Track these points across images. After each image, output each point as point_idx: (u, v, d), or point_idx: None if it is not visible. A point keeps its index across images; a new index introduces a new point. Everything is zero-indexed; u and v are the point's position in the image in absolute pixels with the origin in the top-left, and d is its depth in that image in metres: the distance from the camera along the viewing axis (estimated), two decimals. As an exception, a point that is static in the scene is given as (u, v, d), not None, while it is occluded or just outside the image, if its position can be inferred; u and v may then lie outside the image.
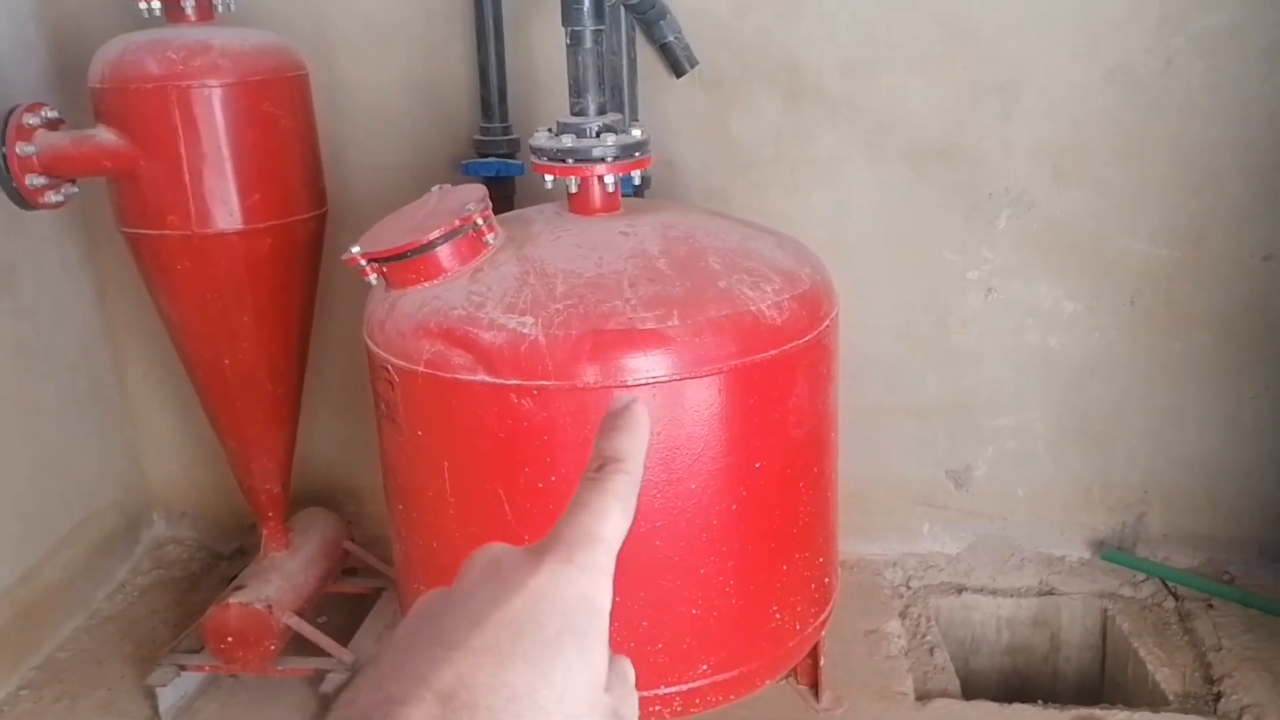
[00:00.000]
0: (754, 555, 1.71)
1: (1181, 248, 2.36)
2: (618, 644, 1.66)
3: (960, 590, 2.60)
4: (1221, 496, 2.53)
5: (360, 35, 2.46)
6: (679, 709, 1.72)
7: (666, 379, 1.57)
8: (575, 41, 1.75)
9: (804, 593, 1.81)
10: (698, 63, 2.35)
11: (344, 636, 2.33)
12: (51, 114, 2.05)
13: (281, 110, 2.08)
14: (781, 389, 1.66)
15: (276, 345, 2.20)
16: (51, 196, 2.04)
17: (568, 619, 0.44)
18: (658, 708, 1.71)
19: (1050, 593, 2.58)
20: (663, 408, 1.58)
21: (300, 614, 2.29)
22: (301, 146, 2.14)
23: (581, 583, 0.45)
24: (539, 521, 1.64)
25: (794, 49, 2.36)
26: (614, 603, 0.47)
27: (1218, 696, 2.24)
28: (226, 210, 2.03)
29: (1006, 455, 2.57)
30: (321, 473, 2.79)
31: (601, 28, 1.76)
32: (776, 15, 2.34)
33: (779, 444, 1.69)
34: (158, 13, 2.05)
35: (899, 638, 2.42)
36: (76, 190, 2.09)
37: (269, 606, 2.21)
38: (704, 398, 1.60)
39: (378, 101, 2.50)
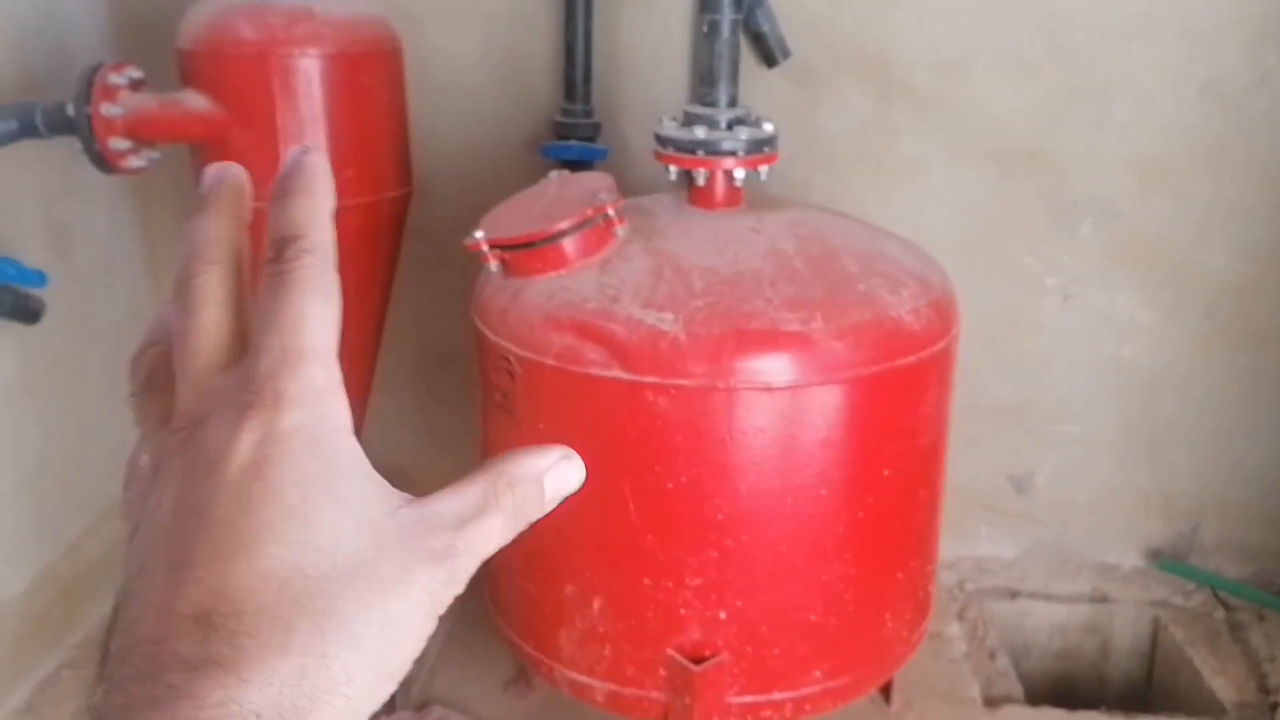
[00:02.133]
0: (874, 562, 1.69)
1: (1260, 264, 2.37)
2: (735, 647, 1.60)
3: (1014, 595, 2.61)
4: (1277, 509, 2.56)
5: (439, 3, 2.38)
6: (789, 715, 1.70)
7: (808, 383, 1.54)
8: (713, 30, 1.71)
9: (913, 600, 1.80)
10: (790, 54, 2.30)
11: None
12: (136, 74, 1.95)
13: (378, 83, 2.00)
14: (915, 396, 1.64)
15: (356, 324, 2.14)
16: (133, 161, 1.94)
17: (305, 475, 0.35)
18: (768, 714, 1.68)
19: (1103, 599, 2.59)
20: (801, 411, 1.55)
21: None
22: (394, 122, 2.07)
23: (304, 419, 0.36)
24: (664, 522, 1.60)
25: (887, 44, 2.32)
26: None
27: (1274, 706, 2.28)
28: (320, 184, 1.95)
29: (1070, 462, 2.57)
30: (366, 450, 2.71)
31: (739, 17, 1.71)
32: (871, 10, 2.30)
33: (907, 452, 1.66)
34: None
35: (960, 641, 2.43)
36: (158, 156, 1.99)
37: (337, 592, 2.15)
38: (842, 403, 1.57)
39: (453, 75, 2.42)
